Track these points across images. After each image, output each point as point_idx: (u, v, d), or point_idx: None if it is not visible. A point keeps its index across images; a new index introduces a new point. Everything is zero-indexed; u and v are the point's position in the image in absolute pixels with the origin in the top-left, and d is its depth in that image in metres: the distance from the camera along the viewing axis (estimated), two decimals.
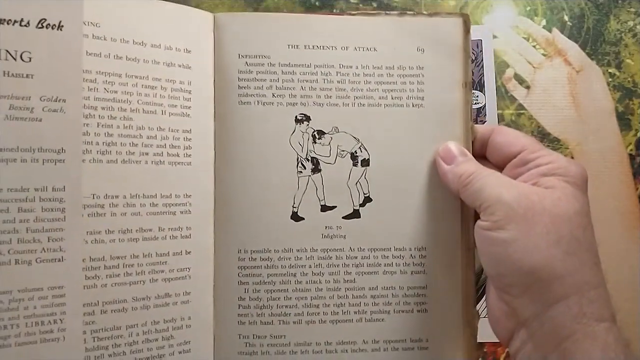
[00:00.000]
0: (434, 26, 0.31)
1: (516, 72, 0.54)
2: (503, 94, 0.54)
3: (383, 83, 0.31)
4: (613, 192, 0.52)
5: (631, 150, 0.52)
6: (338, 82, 0.31)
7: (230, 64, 0.31)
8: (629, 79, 0.54)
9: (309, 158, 0.31)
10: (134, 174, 0.29)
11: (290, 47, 0.31)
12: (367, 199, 0.31)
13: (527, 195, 0.27)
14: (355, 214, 0.31)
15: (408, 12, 0.31)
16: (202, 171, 0.31)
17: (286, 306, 0.31)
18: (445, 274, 0.31)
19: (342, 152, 0.31)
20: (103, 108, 0.28)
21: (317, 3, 0.57)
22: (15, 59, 0.25)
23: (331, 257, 0.31)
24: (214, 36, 0.31)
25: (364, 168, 0.31)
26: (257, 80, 0.31)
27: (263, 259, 0.31)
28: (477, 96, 0.53)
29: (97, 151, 0.28)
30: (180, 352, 0.30)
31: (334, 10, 0.56)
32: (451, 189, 0.30)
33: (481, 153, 0.32)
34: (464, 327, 0.30)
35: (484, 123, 0.52)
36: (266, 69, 0.31)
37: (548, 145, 0.53)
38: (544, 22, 0.55)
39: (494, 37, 0.55)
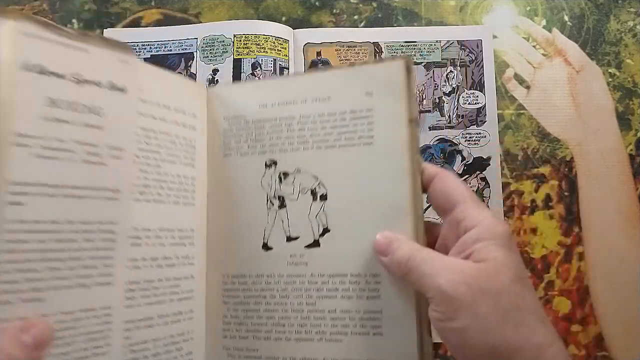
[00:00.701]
0: (379, 71, 0.34)
1: (516, 72, 0.54)
2: (503, 94, 0.54)
3: (337, 127, 0.34)
4: (613, 192, 0.52)
5: (631, 150, 0.52)
6: (299, 130, 0.35)
7: (218, 124, 0.38)
8: (629, 79, 0.54)
9: (277, 196, 0.36)
10: (162, 211, 0.34)
11: (260, 106, 0.37)
12: (326, 230, 0.34)
13: (465, 280, 0.28)
14: (315, 244, 0.34)
15: (357, 63, 0.37)
16: (200, 210, 0.37)
17: (258, 324, 0.35)
18: (399, 299, 0.32)
19: (303, 189, 0.35)
20: (143, 157, 0.33)
21: (317, 3, 0.57)
22: (92, 113, 0.30)
23: (295, 282, 0.34)
24: (206, 103, 0.39)
25: (322, 202, 0.34)
26: (236, 135, 0.37)
27: (240, 283, 0.36)
28: (477, 96, 0.53)
29: (138, 192, 0.33)
30: None
31: (334, 11, 0.56)
32: (397, 277, 0.32)
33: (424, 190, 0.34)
34: (419, 353, 0.32)
35: (484, 123, 0.53)
36: (242, 126, 0.37)
37: (548, 146, 0.53)
38: (544, 22, 0.55)
39: (494, 37, 0.55)
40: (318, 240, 0.34)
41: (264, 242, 0.35)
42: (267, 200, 0.36)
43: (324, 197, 0.34)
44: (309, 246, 0.34)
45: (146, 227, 0.33)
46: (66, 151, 0.28)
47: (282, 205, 0.35)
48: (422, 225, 0.32)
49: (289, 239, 0.35)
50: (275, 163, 0.36)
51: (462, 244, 0.30)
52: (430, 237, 0.33)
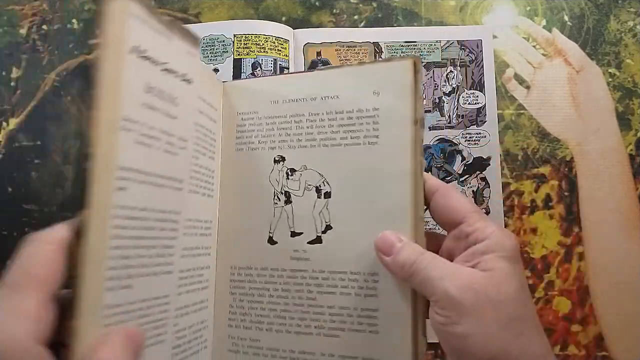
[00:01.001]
0: (387, 70, 0.34)
1: (516, 72, 0.54)
2: (503, 94, 0.54)
3: (344, 125, 0.35)
4: (613, 192, 0.52)
5: (631, 150, 0.52)
6: (307, 127, 0.36)
7: (232, 119, 0.38)
8: (629, 79, 0.54)
9: (283, 192, 0.36)
10: (196, 201, 0.34)
11: (272, 102, 0.37)
12: (328, 227, 0.35)
13: (471, 286, 0.28)
14: (318, 240, 0.35)
15: (367, 62, 0.36)
16: (215, 202, 0.38)
17: (261, 315, 0.36)
18: (396, 299, 0.32)
19: (309, 186, 0.36)
20: (191, 148, 0.33)
21: (317, 3, 0.57)
22: (171, 103, 0.30)
23: (297, 276, 0.35)
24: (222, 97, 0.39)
25: (326, 200, 0.35)
26: (248, 131, 0.38)
27: (246, 275, 0.36)
28: (477, 96, 0.53)
29: (187, 183, 0.33)
30: (204, 348, 0.36)
31: (334, 11, 0.56)
32: (398, 278, 0.32)
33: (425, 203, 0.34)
34: (413, 353, 0.32)
35: (484, 123, 0.53)
36: (255, 121, 0.37)
37: (548, 146, 0.53)
38: (544, 22, 0.55)
39: (494, 37, 0.55)
40: (320, 236, 0.35)
41: (269, 236, 0.36)
42: (275, 196, 0.36)
43: (328, 195, 0.35)
44: (311, 242, 0.35)
45: (187, 217, 0.33)
46: (154, 139, 0.28)
47: (288, 201, 0.36)
48: (422, 226, 0.32)
49: (293, 234, 0.36)
50: (283, 159, 0.36)
51: (470, 254, 0.30)
52: (433, 245, 0.33)
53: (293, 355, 0.34)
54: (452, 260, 0.31)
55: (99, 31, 0.24)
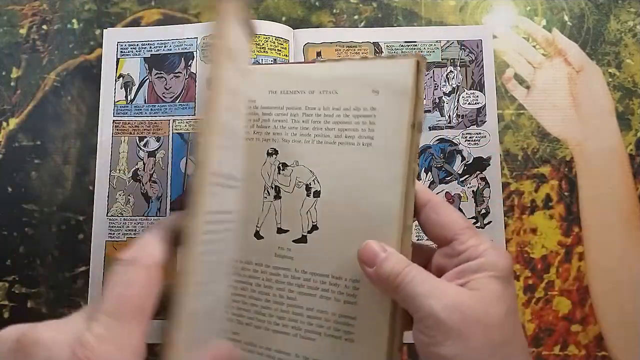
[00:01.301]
0: (389, 68, 0.32)
1: (516, 72, 0.54)
2: (503, 94, 0.54)
3: (339, 123, 0.34)
4: (613, 192, 0.52)
5: (631, 150, 0.52)
6: (303, 122, 0.35)
7: None
8: (629, 79, 0.54)
9: (273, 186, 0.35)
10: (228, 196, 0.33)
11: (270, 92, 0.35)
12: (315, 227, 0.34)
13: (459, 307, 0.27)
14: (302, 239, 0.34)
15: (369, 57, 0.34)
16: None
17: (242, 309, 0.35)
18: (375, 309, 0.32)
19: (299, 183, 0.35)
20: None
21: (317, 3, 0.57)
22: (237, 102, 0.29)
23: (279, 274, 0.34)
24: None
25: (314, 199, 0.34)
26: (245, 120, 0.36)
27: (232, 267, 0.35)
28: (477, 96, 0.53)
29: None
30: None
31: (334, 11, 0.56)
32: (381, 291, 0.31)
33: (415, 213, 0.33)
34: None
35: (484, 123, 0.53)
36: (252, 111, 0.36)
37: (548, 146, 0.53)
38: (544, 22, 0.55)
39: (494, 37, 0.55)
40: (306, 236, 0.34)
41: (256, 230, 0.35)
42: (265, 189, 0.36)
43: (317, 194, 0.34)
44: (296, 241, 0.34)
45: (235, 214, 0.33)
46: (230, 141, 0.28)
47: (278, 196, 0.35)
48: (410, 236, 0.31)
49: (280, 230, 0.35)
50: (276, 152, 0.35)
51: (461, 271, 0.29)
52: (422, 259, 0.32)
53: (269, 353, 0.34)
54: (440, 276, 0.30)
55: (212, 32, 0.24)
